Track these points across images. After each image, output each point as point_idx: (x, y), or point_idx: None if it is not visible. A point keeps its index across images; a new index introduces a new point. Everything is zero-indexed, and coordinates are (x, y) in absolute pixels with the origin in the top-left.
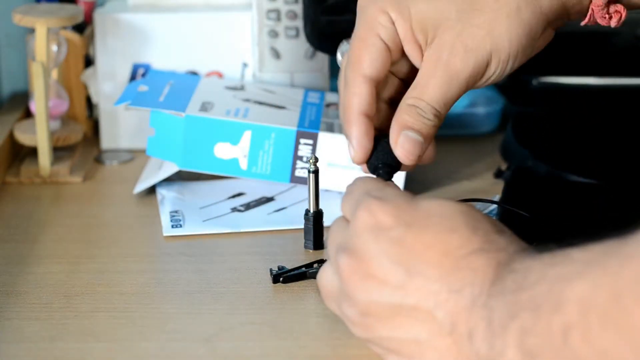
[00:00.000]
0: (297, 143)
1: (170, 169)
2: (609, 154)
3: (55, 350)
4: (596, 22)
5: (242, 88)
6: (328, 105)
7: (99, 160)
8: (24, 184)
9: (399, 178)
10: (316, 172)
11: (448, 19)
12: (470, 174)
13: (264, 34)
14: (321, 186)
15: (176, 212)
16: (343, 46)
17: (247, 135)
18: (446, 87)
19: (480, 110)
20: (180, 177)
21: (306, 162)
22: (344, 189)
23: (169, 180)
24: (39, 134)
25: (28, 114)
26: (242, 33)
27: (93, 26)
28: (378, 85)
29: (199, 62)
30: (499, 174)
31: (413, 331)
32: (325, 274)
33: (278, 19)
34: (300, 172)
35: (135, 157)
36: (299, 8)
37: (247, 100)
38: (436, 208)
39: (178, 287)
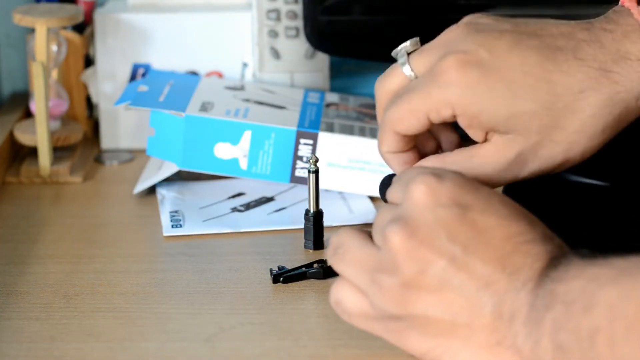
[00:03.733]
0: (297, 143)
1: (170, 169)
2: (609, 154)
3: (55, 350)
4: None
5: (242, 88)
6: (328, 105)
7: (99, 160)
8: (24, 184)
9: None
10: (316, 172)
11: (528, 130)
12: None
13: (264, 34)
14: (321, 186)
15: (176, 212)
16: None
17: (247, 135)
18: (483, 181)
19: None
20: (180, 177)
21: (306, 162)
22: (344, 189)
23: (169, 180)
24: (39, 134)
25: (28, 114)
26: (242, 33)
27: (93, 26)
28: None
29: (199, 62)
30: None
31: (452, 309)
32: (360, 247)
33: (278, 19)
34: (300, 172)
35: (135, 157)
36: (299, 8)
37: (247, 100)
38: (496, 195)
39: (178, 287)
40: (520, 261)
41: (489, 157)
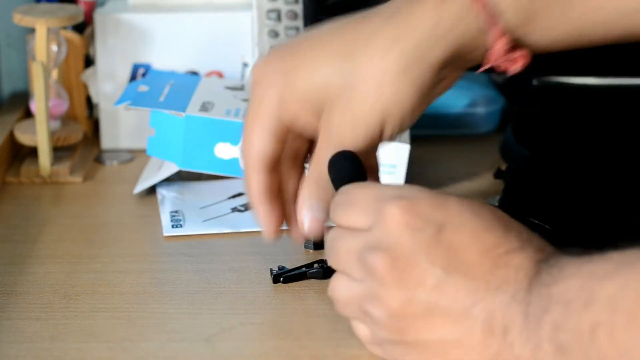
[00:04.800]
0: None
1: (170, 169)
2: (609, 154)
3: (55, 350)
4: (500, 68)
5: (242, 88)
6: None
7: (99, 160)
8: (24, 184)
9: (399, 179)
10: None
11: (334, 86)
12: (470, 174)
13: (264, 34)
14: None
15: (176, 212)
16: None
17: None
18: None
19: (480, 110)
20: (180, 177)
21: (306, 162)
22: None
23: (169, 180)
24: (39, 134)
25: (28, 114)
26: (242, 33)
27: (93, 26)
28: (273, 167)
29: (199, 62)
30: (499, 174)
31: (443, 332)
32: (341, 283)
33: (278, 19)
34: None
35: (135, 157)
36: (299, 8)
37: (247, 100)
38: (467, 207)
39: (178, 287)
40: (503, 275)
41: (324, 145)
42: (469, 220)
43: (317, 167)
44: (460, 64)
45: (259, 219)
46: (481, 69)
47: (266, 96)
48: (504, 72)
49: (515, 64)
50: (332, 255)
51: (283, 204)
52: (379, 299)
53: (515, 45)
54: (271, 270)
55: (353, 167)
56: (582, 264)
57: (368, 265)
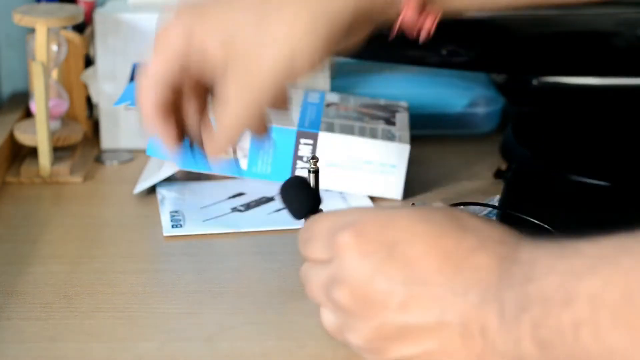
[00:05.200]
0: (297, 143)
1: (170, 169)
2: (609, 154)
3: (55, 350)
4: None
5: None
6: (328, 105)
7: (99, 160)
8: (24, 184)
9: (399, 178)
10: (316, 172)
11: (245, 28)
12: (470, 174)
13: None
14: (321, 186)
15: (176, 212)
16: None
17: (247, 135)
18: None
19: (480, 110)
20: (180, 177)
21: (306, 162)
22: (344, 189)
23: (169, 180)
24: (39, 134)
25: (28, 114)
26: None
27: (93, 26)
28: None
29: None
30: (499, 174)
31: (423, 344)
32: (326, 317)
33: None
34: (301, 172)
35: (135, 157)
36: None
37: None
38: (418, 217)
39: (178, 287)
40: (468, 277)
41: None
42: (422, 231)
43: (227, 110)
44: (371, 22)
45: (158, 133)
46: (393, 33)
47: (174, 29)
48: (416, 37)
49: (426, 24)
50: (307, 289)
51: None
52: (353, 329)
53: (425, 4)
54: None
55: (308, 196)
56: (557, 261)
57: (333, 301)
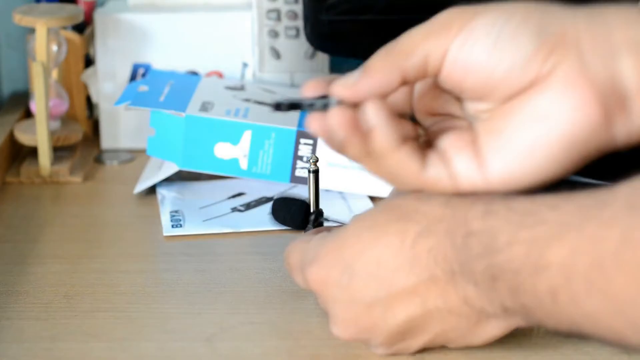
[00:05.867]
0: (297, 143)
1: (170, 169)
2: (609, 154)
3: (55, 350)
4: None
5: (242, 88)
6: None
7: (99, 160)
8: (24, 184)
9: None
10: (316, 172)
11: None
12: None
13: (264, 34)
14: (321, 186)
15: (176, 212)
16: None
17: (247, 135)
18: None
19: None
20: (180, 177)
21: (306, 162)
22: (344, 189)
23: (169, 180)
24: (39, 134)
25: (28, 114)
26: (242, 33)
27: (93, 26)
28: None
29: (199, 62)
30: None
31: (428, 331)
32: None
33: (278, 19)
34: (300, 172)
35: (135, 157)
36: (299, 8)
37: (247, 100)
38: (361, 225)
39: (178, 287)
40: (426, 263)
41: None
42: (367, 239)
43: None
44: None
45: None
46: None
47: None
48: None
49: None
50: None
51: None
52: (372, 347)
53: None
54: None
55: (299, 208)
56: (517, 230)
57: (335, 329)
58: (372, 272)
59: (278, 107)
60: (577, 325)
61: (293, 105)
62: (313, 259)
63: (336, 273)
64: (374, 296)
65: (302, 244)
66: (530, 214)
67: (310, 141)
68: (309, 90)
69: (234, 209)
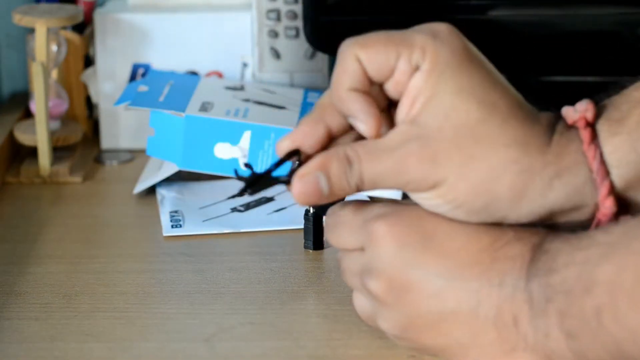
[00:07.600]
0: None
1: (170, 169)
2: None
3: (55, 350)
4: None
5: (242, 88)
6: None
7: (99, 160)
8: (24, 184)
9: None
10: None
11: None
12: None
13: (264, 34)
14: None
15: (176, 212)
16: None
17: (246, 135)
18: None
19: None
20: (180, 177)
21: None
22: None
23: (169, 180)
24: (39, 134)
25: (28, 114)
26: (242, 33)
27: (93, 26)
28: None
29: (199, 62)
30: None
31: (455, 335)
32: (359, 302)
33: (278, 19)
34: None
35: (135, 157)
36: (299, 8)
37: (247, 100)
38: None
39: (178, 287)
40: (503, 267)
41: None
42: (460, 226)
43: (363, 152)
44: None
45: (359, 113)
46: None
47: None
48: None
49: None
50: (343, 276)
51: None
52: (388, 319)
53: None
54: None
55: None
56: (575, 252)
57: (369, 290)
58: (447, 253)
59: (244, 191)
60: (619, 346)
61: (257, 186)
62: (386, 214)
63: (409, 237)
64: (434, 273)
65: (361, 203)
66: (586, 237)
67: None
68: (279, 151)
69: (234, 209)
